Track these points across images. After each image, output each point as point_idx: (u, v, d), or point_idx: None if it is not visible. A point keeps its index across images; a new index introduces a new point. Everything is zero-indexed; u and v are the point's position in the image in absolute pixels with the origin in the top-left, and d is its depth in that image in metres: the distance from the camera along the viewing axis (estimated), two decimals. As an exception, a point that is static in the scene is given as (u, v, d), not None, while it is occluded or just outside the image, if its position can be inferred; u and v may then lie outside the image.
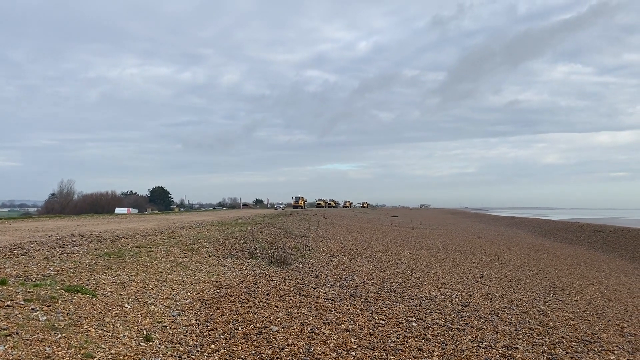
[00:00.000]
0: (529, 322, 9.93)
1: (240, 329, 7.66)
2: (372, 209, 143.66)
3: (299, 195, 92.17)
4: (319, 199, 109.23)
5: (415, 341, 7.83)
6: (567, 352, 8.01)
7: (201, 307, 8.66)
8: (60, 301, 7.06)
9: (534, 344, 8.33)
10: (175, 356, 6.21)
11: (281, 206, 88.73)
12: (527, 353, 7.76)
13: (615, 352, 8.34)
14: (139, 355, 5.94)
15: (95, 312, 7.04)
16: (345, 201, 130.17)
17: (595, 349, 8.36)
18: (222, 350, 6.66)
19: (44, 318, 6.27)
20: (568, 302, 12.70)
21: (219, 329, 7.54)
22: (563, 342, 8.58)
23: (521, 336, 8.74)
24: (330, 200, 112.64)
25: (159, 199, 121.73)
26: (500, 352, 7.69)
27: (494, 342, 8.15)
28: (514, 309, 11.02)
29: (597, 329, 9.90)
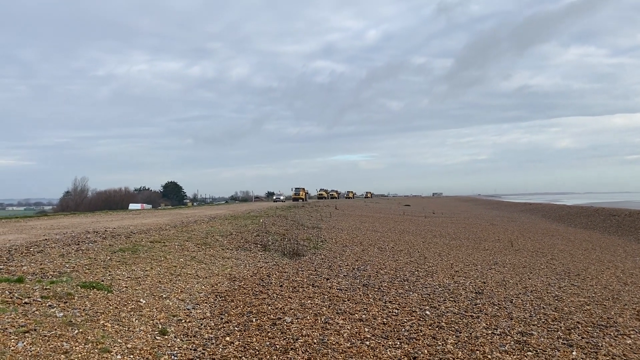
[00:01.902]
0: (543, 308, 9.88)
1: (254, 320, 7.72)
2: (383, 198, 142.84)
3: (300, 187, 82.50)
4: (321, 190, 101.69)
5: (429, 329, 7.84)
6: (582, 337, 7.97)
7: (215, 300, 8.73)
8: (76, 297, 7.16)
9: (549, 329, 8.29)
10: (190, 349, 6.28)
11: (281, 198, 78.14)
12: (542, 339, 7.72)
13: (632, 336, 8.27)
14: (155, 349, 6.02)
15: (111, 307, 7.13)
16: (348, 191, 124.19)
17: (612, 334, 8.30)
18: (237, 342, 6.71)
19: (61, 314, 6.37)
20: (583, 287, 12.61)
21: (234, 321, 7.60)
22: (578, 327, 8.53)
23: (536, 322, 8.70)
24: (332, 190, 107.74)
25: (172, 194, 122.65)
26: (515, 338, 7.67)
27: (508, 329, 8.13)
28: (528, 295, 10.97)
29: (613, 313, 9.82)
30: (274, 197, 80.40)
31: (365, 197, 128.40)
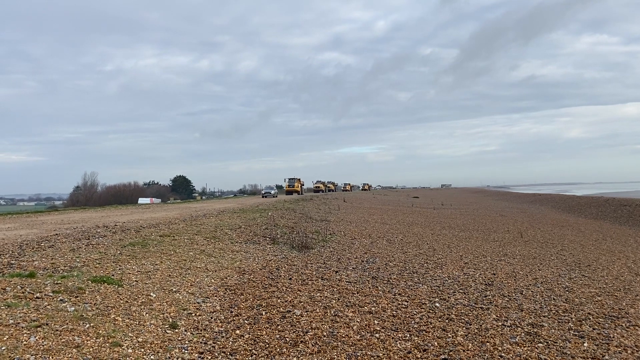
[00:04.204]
0: (554, 299, 9.82)
1: (264, 313, 7.74)
2: (392, 190, 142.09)
3: (294, 178, 70.01)
4: (317, 182, 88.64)
5: (439, 322, 7.82)
6: (593, 329, 7.91)
7: (225, 293, 8.76)
8: (87, 292, 7.20)
9: (560, 321, 8.24)
10: (201, 342, 6.31)
11: (271, 192, 60.38)
12: (553, 330, 7.68)
13: (644, 327, 8.20)
14: (165, 343, 6.05)
15: (122, 301, 7.17)
16: (345, 184, 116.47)
17: (623, 325, 8.24)
18: (247, 336, 6.73)
19: (72, 309, 6.41)
20: (594, 277, 12.52)
21: (243, 315, 7.62)
22: (590, 319, 8.47)
23: (547, 314, 8.65)
24: (329, 182, 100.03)
25: (181, 188, 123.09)
26: (526, 330, 7.63)
27: (519, 321, 8.09)
28: (538, 287, 10.91)
29: (624, 304, 9.75)
30: (263, 192, 62.28)
31: (362, 190, 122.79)
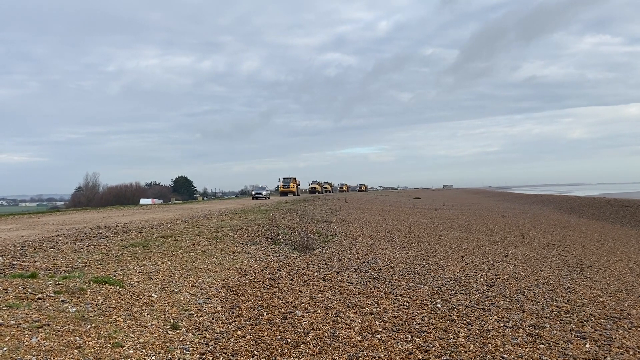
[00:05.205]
0: (556, 300, 9.81)
1: (265, 314, 7.74)
2: (393, 191, 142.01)
3: (290, 177, 64.83)
4: (313, 183, 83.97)
5: (441, 322, 7.81)
6: (595, 330, 7.90)
7: (226, 294, 8.76)
8: (88, 292, 7.21)
9: (562, 322, 8.23)
10: (202, 343, 6.31)
11: (263, 193, 53.65)
12: (555, 332, 7.67)
13: (646, 328, 8.18)
14: (166, 344, 6.05)
15: (123, 302, 7.18)
16: (342, 184, 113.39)
17: (625, 326, 8.22)
18: (248, 336, 6.73)
19: (74, 309, 6.42)
20: (596, 278, 12.50)
21: (245, 315, 7.62)
22: (591, 320, 8.46)
23: (548, 315, 8.64)
24: (326, 183, 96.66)
25: (183, 189, 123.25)
26: (527, 331, 7.62)
27: (520, 322, 8.08)
28: (540, 288, 10.90)
29: (626, 305, 9.73)
30: (254, 193, 55.31)
31: (359, 190, 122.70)
